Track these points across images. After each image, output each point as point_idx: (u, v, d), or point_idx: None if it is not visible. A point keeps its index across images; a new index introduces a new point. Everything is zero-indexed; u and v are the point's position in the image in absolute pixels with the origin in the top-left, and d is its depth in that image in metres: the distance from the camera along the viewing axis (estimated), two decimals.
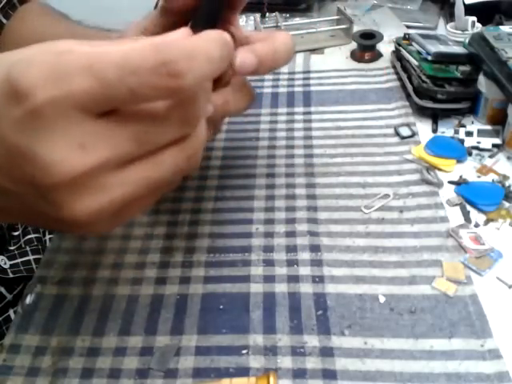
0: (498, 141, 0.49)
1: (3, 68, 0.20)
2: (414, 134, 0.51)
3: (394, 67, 0.61)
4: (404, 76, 0.57)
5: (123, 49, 0.20)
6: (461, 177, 0.46)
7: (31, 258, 0.53)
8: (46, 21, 0.53)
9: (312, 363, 0.34)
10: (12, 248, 0.53)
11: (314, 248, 0.41)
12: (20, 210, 0.24)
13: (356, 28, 0.67)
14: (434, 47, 0.54)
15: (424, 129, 0.52)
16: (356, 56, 0.64)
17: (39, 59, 0.19)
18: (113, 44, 0.20)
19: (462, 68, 0.52)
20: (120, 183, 0.22)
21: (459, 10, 0.63)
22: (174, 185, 0.27)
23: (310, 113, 0.56)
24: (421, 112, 0.54)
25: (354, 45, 0.65)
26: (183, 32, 0.23)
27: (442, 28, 0.68)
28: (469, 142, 0.49)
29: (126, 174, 0.22)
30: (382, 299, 0.37)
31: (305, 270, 0.39)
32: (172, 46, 0.20)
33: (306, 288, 0.38)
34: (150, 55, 0.19)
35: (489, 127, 0.51)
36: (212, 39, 0.21)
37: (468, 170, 0.47)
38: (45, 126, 0.19)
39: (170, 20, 0.36)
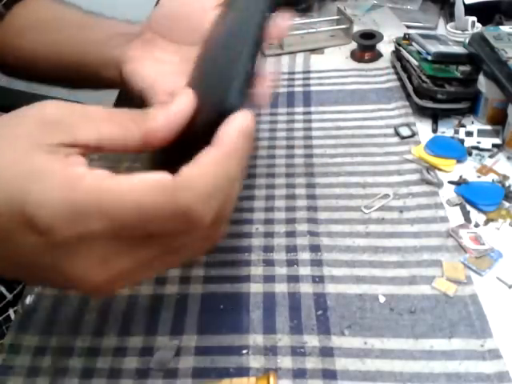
0: (498, 141, 0.49)
1: (8, 204, 0.20)
2: (414, 134, 0.51)
3: (394, 67, 0.61)
4: (404, 76, 0.57)
5: (136, 193, 0.20)
6: (461, 177, 0.46)
7: None
8: (58, 8, 0.52)
9: (312, 363, 0.34)
10: None
11: (314, 248, 0.41)
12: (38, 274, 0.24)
13: (356, 28, 0.67)
14: (434, 47, 0.54)
15: (424, 129, 0.52)
16: (356, 56, 0.64)
17: (54, 199, 0.19)
18: (122, 178, 0.20)
19: (461, 68, 0.52)
20: (139, 276, 0.23)
21: (459, 10, 0.63)
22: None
23: (309, 113, 0.56)
24: (421, 112, 0.54)
25: (354, 45, 0.65)
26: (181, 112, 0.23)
27: (442, 28, 0.68)
28: (469, 141, 0.49)
29: (146, 270, 0.23)
30: (382, 299, 0.37)
31: (305, 270, 0.39)
32: (188, 189, 0.20)
33: (306, 288, 0.38)
34: (166, 204, 0.20)
35: (489, 127, 0.51)
36: (231, 152, 0.21)
37: (468, 170, 0.47)
38: (64, 254, 0.20)
39: None
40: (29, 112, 0.21)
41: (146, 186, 0.20)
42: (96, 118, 0.21)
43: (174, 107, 0.23)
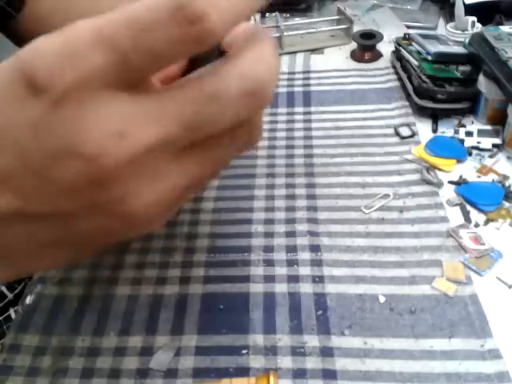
0: (498, 141, 0.49)
1: (6, 68, 0.17)
2: (414, 134, 0.51)
3: (394, 67, 0.61)
4: (404, 76, 0.57)
5: (132, 7, 0.16)
6: (461, 177, 0.46)
7: None
8: None
9: (312, 363, 0.34)
10: None
11: (314, 248, 0.41)
12: (67, 237, 0.20)
13: (356, 28, 0.67)
14: (434, 47, 0.54)
15: (424, 129, 0.52)
16: (356, 56, 0.64)
17: (44, 41, 0.16)
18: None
19: (461, 68, 0.52)
20: (176, 172, 0.19)
21: (459, 9, 0.63)
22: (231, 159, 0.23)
23: (309, 113, 0.56)
24: (421, 112, 0.54)
25: (354, 45, 0.65)
26: None
27: (442, 28, 0.68)
28: (469, 141, 0.49)
29: (182, 162, 0.19)
30: (382, 299, 0.37)
31: (305, 270, 0.39)
32: None
33: (306, 288, 0.38)
34: (160, 2, 0.16)
35: (489, 127, 0.51)
36: None
37: (468, 170, 0.47)
38: (73, 116, 0.16)
39: None
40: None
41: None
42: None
43: None
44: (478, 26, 0.63)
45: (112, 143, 0.17)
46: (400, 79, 0.58)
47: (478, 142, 0.49)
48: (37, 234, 0.19)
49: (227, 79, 0.17)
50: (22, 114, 0.16)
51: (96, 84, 0.16)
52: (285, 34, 0.66)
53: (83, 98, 0.16)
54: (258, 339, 0.35)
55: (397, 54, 0.60)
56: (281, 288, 0.38)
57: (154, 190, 0.19)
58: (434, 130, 0.52)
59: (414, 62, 0.55)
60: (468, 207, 0.43)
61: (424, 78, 0.52)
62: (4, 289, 0.51)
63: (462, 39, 0.60)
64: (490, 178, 0.46)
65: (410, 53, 0.57)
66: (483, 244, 0.40)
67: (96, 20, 0.16)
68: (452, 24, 0.65)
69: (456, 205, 0.43)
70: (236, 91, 0.17)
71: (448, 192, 0.45)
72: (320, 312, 0.36)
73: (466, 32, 0.62)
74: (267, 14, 0.74)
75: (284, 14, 0.75)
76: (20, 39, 0.54)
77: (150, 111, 0.17)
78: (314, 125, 0.54)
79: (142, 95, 0.17)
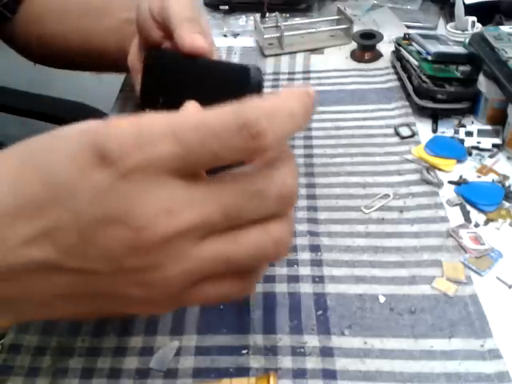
0: (498, 141, 0.49)
1: (81, 137, 0.20)
2: (414, 134, 0.51)
3: (394, 67, 0.61)
4: (404, 76, 0.57)
5: (202, 113, 0.20)
6: (461, 177, 0.46)
7: None
8: None
9: (312, 363, 0.34)
10: None
11: (314, 248, 0.41)
12: (84, 294, 0.22)
13: (356, 28, 0.67)
14: (434, 47, 0.54)
15: (424, 129, 0.52)
16: (356, 56, 0.64)
17: (119, 123, 0.19)
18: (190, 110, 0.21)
19: (461, 68, 0.52)
20: (198, 255, 0.21)
21: (459, 9, 0.63)
22: (258, 277, 0.24)
23: None
24: (421, 112, 0.54)
25: (354, 45, 0.65)
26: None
27: (442, 28, 0.68)
28: (469, 141, 0.49)
29: (206, 246, 0.21)
30: (382, 299, 0.37)
31: (305, 270, 0.39)
32: (251, 107, 0.19)
33: (306, 288, 0.38)
34: (230, 117, 0.19)
35: (489, 127, 0.51)
36: (293, 95, 0.22)
37: (468, 170, 0.47)
38: (132, 190, 0.19)
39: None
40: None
41: (213, 109, 0.20)
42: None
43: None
44: (478, 26, 0.62)
45: (159, 219, 0.19)
46: (400, 79, 0.58)
47: (478, 142, 0.49)
48: (56, 286, 0.21)
49: (271, 183, 0.21)
50: (88, 178, 0.19)
51: (159, 169, 0.19)
52: (285, 34, 0.66)
53: (145, 178, 0.19)
54: (258, 339, 0.35)
55: (397, 54, 0.60)
56: (281, 288, 0.38)
57: (179, 267, 0.21)
58: (434, 130, 0.52)
59: (414, 62, 0.55)
60: (468, 207, 0.43)
61: (424, 77, 0.52)
62: None
63: (462, 39, 0.60)
64: (490, 177, 0.46)
65: (410, 53, 0.57)
66: (483, 244, 0.40)
67: (169, 115, 0.19)
68: (452, 24, 0.65)
69: (456, 205, 0.43)
70: (275, 194, 0.21)
71: (448, 192, 0.45)
72: (320, 312, 0.36)
73: (466, 32, 0.62)
74: (267, 14, 0.74)
75: (284, 14, 0.75)
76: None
77: (198, 197, 0.20)
78: (314, 125, 0.54)
79: (194, 183, 0.20)
